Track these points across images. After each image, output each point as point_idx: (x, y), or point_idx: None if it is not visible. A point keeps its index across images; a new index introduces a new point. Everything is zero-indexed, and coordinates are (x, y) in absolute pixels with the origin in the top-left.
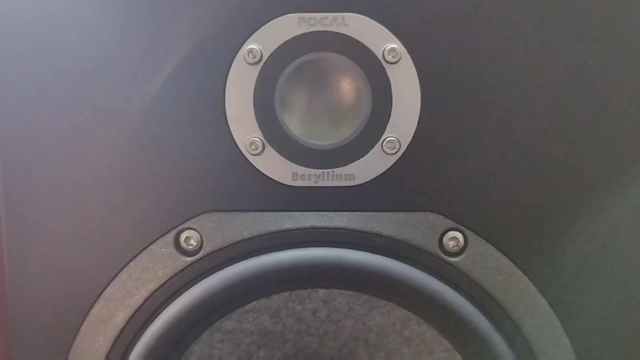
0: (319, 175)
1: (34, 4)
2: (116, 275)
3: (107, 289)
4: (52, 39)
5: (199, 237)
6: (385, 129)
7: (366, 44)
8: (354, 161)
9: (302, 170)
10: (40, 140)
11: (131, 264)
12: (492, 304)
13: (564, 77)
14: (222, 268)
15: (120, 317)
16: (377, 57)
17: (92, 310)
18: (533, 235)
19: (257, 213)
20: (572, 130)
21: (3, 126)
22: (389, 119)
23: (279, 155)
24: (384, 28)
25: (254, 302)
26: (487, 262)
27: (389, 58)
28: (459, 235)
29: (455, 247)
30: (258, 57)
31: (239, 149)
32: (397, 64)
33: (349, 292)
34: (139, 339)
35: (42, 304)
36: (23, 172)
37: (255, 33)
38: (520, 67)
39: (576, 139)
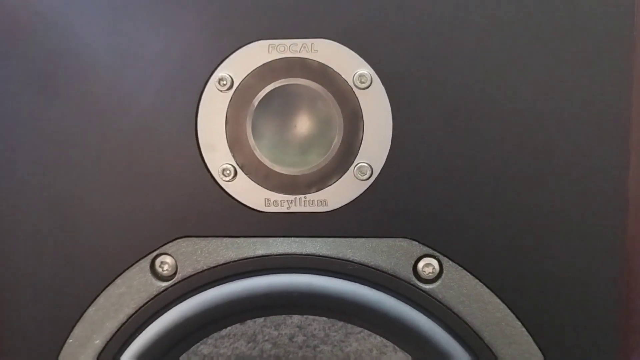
0: (291, 201)
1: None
2: (95, 298)
3: (87, 311)
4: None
5: (173, 262)
6: (357, 154)
7: (336, 70)
8: (326, 187)
9: (274, 196)
10: (17, 163)
11: (109, 287)
12: (468, 333)
13: (538, 101)
14: (196, 293)
15: (99, 341)
16: (347, 83)
17: (72, 333)
18: (511, 261)
19: (230, 239)
20: (549, 155)
21: None
22: (361, 144)
23: (251, 181)
24: (353, 53)
25: (229, 327)
26: (463, 289)
27: (359, 83)
28: (434, 262)
29: (430, 274)
30: (229, 84)
31: (212, 175)
32: (368, 89)
33: (324, 318)
34: None
35: (20, 327)
36: None
37: (226, 60)
38: (494, 92)
39: (553, 163)
